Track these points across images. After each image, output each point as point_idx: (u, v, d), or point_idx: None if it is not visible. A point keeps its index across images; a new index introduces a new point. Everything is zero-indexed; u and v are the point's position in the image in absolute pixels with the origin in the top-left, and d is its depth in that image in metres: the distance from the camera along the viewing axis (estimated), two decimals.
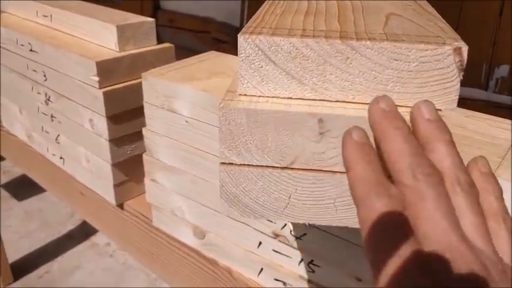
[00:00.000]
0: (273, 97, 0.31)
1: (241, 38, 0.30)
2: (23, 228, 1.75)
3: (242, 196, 0.32)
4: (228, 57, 0.67)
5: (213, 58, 0.67)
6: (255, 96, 0.31)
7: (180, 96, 0.57)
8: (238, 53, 0.30)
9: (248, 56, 0.30)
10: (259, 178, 0.31)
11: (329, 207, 0.31)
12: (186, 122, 0.57)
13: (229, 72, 0.61)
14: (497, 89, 1.07)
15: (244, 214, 0.32)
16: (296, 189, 0.31)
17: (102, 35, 0.70)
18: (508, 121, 0.48)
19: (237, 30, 1.59)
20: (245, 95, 0.31)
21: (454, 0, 1.05)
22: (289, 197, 0.31)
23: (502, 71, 1.07)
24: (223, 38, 1.47)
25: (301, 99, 0.30)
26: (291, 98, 0.30)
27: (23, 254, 1.61)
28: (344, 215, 0.31)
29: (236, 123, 0.30)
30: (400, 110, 0.30)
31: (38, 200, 1.89)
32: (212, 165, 0.57)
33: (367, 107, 0.30)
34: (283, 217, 0.32)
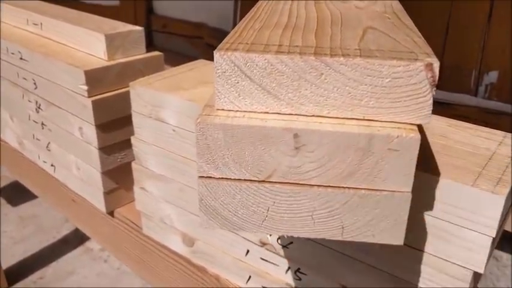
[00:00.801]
0: (249, 112, 0.31)
1: (217, 55, 0.30)
2: (18, 233, 1.75)
3: (221, 209, 0.32)
4: None
5: (201, 67, 0.67)
6: (232, 111, 0.31)
7: (167, 106, 0.57)
8: (215, 69, 0.30)
9: (224, 72, 0.30)
10: (237, 192, 0.31)
11: (307, 219, 0.32)
12: (173, 130, 0.58)
13: None
14: (487, 94, 1.08)
15: (223, 227, 0.33)
16: (274, 202, 0.31)
17: (91, 44, 0.70)
18: (489, 130, 0.49)
19: None
20: (222, 109, 0.31)
21: (443, 5, 1.05)
22: (268, 210, 0.32)
23: (492, 76, 1.07)
24: (215, 43, 1.47)
25: (278, 113, 0.31)
26: (267, 112, 0.31)
27: (17, 260, 1.61)
28: (322, 227, 0.32)
29: (213, 138, 0.30)
30: (373, 124, 0.30)
31: (33, 206, 1.89)
32: None
33: (342, 121, 0.30)
34: (262, 229, 0.32)
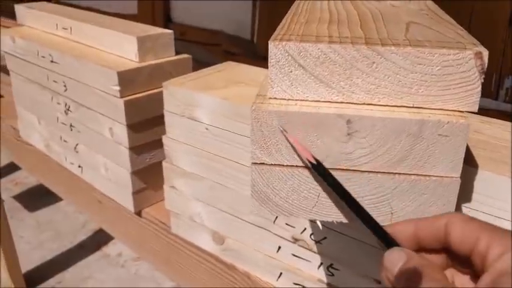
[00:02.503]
0: (301, 100, 0.32)
1: (271, 45, 0.31)
2: (35, 238, 1.76)
3: (273, 195, 0.33)
4: (245, 67, 0.69)
5: (230, 68, 0.69)
6: (284, 99, 0.32)
7: (200, 104, 0.58)
8: (269, 59, 0.32)
9: (278, 61, 0.31)
10: (289, 178, 0.32)
11: None
12: (206, 129, 0.59)
13: (247, 81, 0.62)
14: (507, 98, 1.09)
15: (274, 212, 0.34)
16: (325, 188, 0.32)
17: (123, 46, 0.72)
18: None
19: (248, 42, 1.61)
20: (275, 98, 0.32)
21: (464, 10, 1.07)
22: (318, 196, 0.33)
23: None
24: (234, 50, 1.50)
25: (329, 102, 0.32)
26: (319, 101, 0.32)
27: (35, 265, 1.63)
28: (371, 213, 0.33)
29: (267, 124, 0.31)
30: (423, 111, 0.31)
31: (50, 211, 1.91)
32: (231, 171, 0.59)
33: (393, 109, 0.31)
34: (311, 215, 0.33)
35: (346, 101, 0.32)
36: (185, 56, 0.75)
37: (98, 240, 1.73)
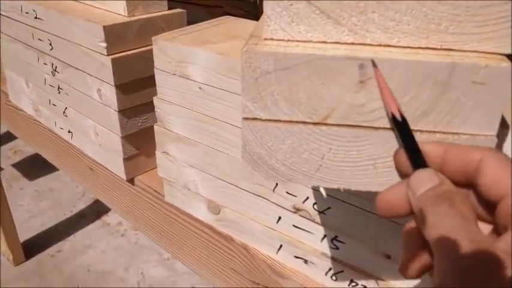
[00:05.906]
0: (304, 41, 0.26)
1: None
2: (35, 207, 1.74)
3: (267, 157, 0.28)
4: (244, 22, 0.63)
5: (227, 22, 0.62)
6: (283, 40, 0.27)
7: (194, 61, 0.52)
8: None
9: None
10: (287, 136, 0.27)
11: (368, 169, 0.27)
12: (200, 88, 0.53)
13: (246, 36, 0.56)
14: None
15: (269, 178, 0.28)
16: (330, 148, 0.27)
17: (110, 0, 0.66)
18: None
19: (251, 4, 1.53)
20: (271, 39, 0.27)
21: None
22: (322, 158, 0.27)
23: None
24: (236, 12, 1.42)
25: (337, 43, 0.26)
26: (325, 42, 0.26)
27: (34, 233, 1.60)
28: (386, 178, 0.27)
29: (262, 70, 0.26)
30: (453, 53, 0.25)
31: (49, 180, 1.88)
32: (228, 135, 0.53)
33: (416, 51, 0.25)
34: (314, 181, 0.28)
35: (358, 42, 0.26)
36: (179, 10, 0.69)
37: (98, 209, 1.71)
